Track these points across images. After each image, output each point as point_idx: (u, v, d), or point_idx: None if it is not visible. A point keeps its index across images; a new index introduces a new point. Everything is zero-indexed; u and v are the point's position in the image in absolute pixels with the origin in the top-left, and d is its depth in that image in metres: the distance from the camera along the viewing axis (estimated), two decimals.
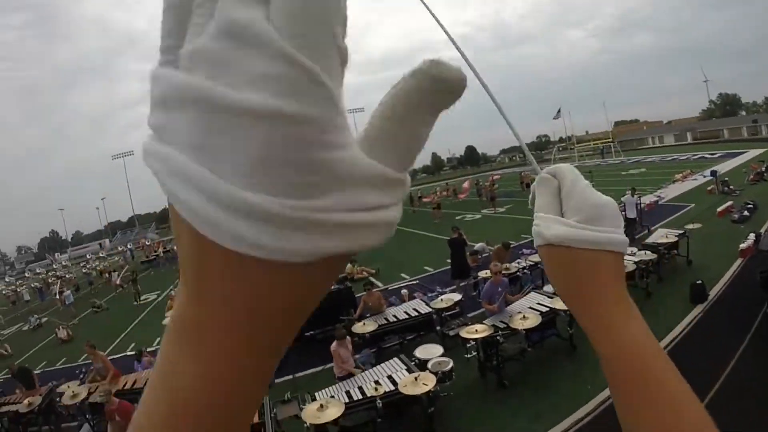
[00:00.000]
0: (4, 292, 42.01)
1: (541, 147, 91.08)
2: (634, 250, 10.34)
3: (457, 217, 26.49)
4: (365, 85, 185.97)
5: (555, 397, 6.71)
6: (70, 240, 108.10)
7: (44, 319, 22.92)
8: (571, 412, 6.28)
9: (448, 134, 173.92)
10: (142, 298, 22.03)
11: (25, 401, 9.19)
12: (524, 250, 13.65)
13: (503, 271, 9.71)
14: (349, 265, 13.58)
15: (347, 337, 7.57)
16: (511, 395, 7.04)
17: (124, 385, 8.54)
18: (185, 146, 0.23)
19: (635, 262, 9.52)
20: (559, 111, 58.05)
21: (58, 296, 25.71)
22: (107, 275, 32.41)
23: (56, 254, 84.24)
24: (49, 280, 40.61)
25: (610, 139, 57.24)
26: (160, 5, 0.25)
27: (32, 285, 40.38)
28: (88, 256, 71.42)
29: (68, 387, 9.05)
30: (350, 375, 7.32)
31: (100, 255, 64.94)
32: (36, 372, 12.34)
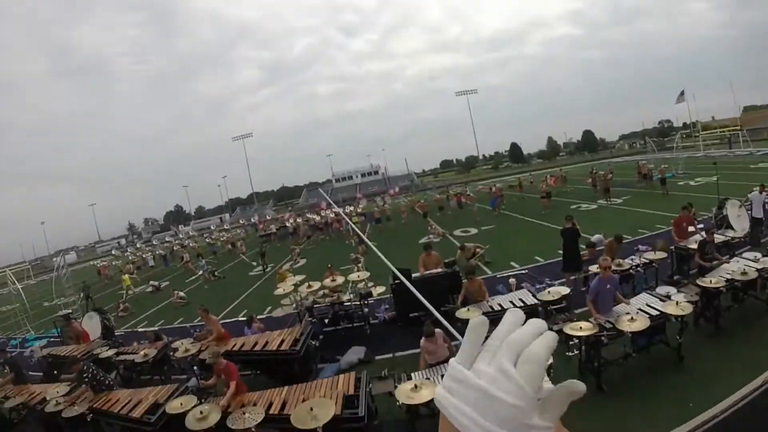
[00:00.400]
0: (130, 258, 46.30)
1: (664, 134, 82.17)
2: (758, 255, 9.01)
3: (571, 206, 24.92)
4: (477, 66, 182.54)
5: (653, 410, 6.00)
6: (193, 214, 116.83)
7: (164, 284, 25.27)
8: (668, 430, 5.52)
9: (564, 116, 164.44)
10: (259, 268, 23.82)
11: (141, 352, 10.06)
12: (639, 246, 12.49)
13: (615, 268, 8.94)
14: (458, 252, 13.31)
15: (437, 331, 7.17)
16: (607, 402, 6.40)
17: (233, 347, 8.88)
18: (470, 403, 0.51)
19: (758, 270, 8.23)
20: (682, 93, 52.13)
21: (189, 264, 28.45)
22: (230, 246, 34.92)
23: (180, 226, 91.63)
24: (174, 248, 44.34)
25: (739, 127, 50.28)
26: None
27: (157, 252, 44.11)
28: (212, 227, 77.46)
29: (182, 343, 9.66)
30: (445, 361, 6.99)
31: (225, 227, 70.11)
32: (154, 329, 13.88)
